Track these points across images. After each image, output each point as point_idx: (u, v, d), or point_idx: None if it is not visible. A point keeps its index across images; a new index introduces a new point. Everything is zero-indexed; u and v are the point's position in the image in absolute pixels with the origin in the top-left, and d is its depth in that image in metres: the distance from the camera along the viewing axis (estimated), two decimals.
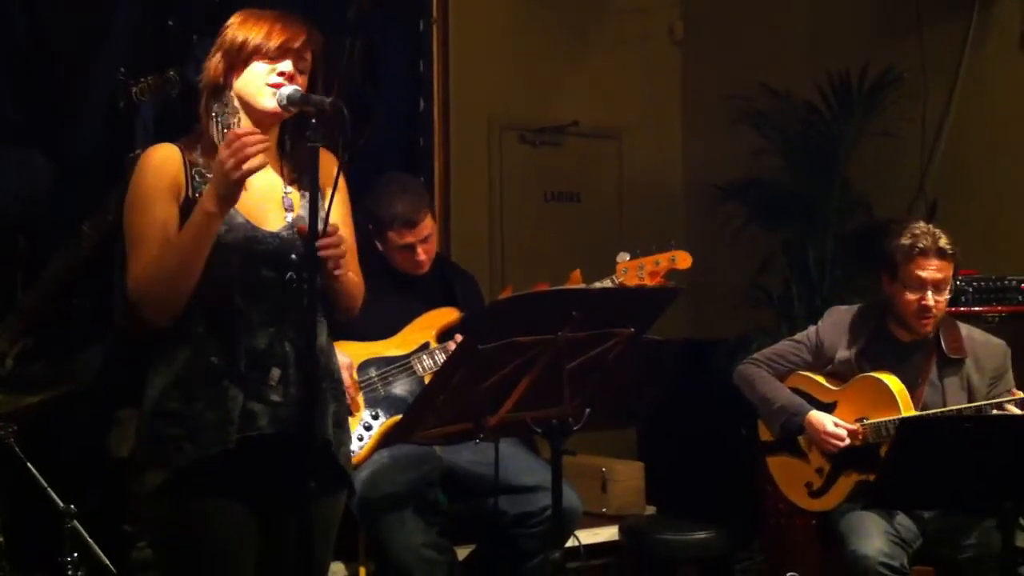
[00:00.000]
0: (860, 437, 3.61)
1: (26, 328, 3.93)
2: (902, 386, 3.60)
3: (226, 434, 2.47)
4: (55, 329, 4.09)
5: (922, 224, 3.66)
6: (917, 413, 3.54)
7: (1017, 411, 3.42)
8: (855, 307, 3.87)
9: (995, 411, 3.43)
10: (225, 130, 2.51)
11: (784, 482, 3.87)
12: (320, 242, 2.41)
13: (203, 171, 2.52)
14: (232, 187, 2.39)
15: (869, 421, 3.61)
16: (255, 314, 2.50)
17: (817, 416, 3.67)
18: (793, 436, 3.76)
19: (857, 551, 3.43)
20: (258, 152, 2.38)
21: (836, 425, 3.63)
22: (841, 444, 3.61)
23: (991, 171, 5.13)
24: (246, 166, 2.37)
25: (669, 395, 3.08)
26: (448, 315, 3.89)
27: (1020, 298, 4.31)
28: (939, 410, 3.53)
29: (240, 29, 2.54)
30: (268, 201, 2.56)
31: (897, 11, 5.39)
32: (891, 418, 3.55)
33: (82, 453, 4.04)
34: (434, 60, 5.31)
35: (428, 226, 3.88)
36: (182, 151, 2.53)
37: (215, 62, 2.55)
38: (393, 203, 3.84)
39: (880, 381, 3.63)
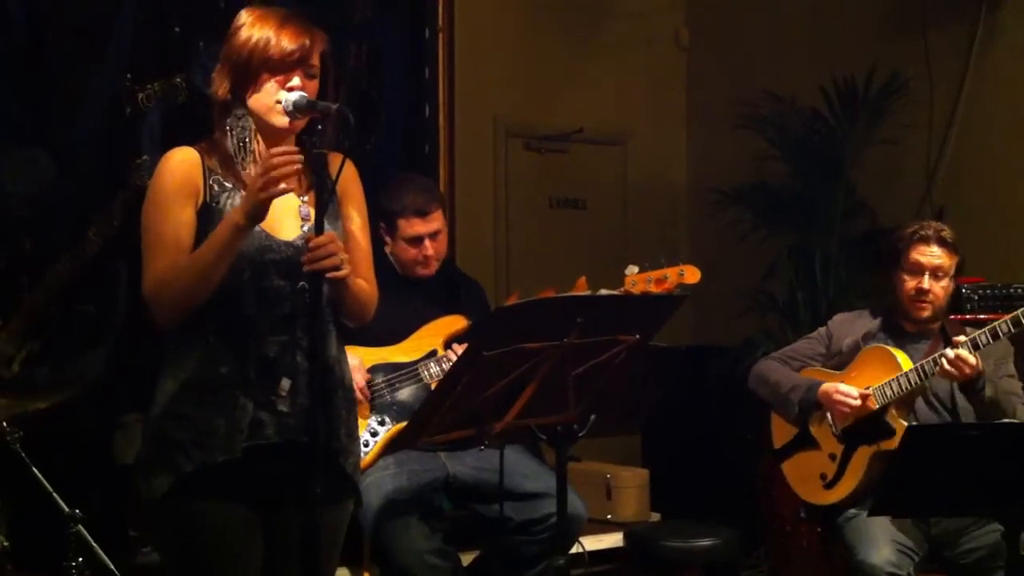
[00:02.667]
0: (870, 402, 3.65)
1: (32, 332, 3.94)
2: (902, 351, 3.67)
3: (234, 443, 2.47)
4: (60, 334, 4.10)
5: (931, 220, 3.82)
6: (918, 364, 3.59)
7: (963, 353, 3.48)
8: (860, 310, 3.98)
9: (941, 359, 3.50)
10: (240, 143, 2.52)
11: (798, 483, 3.90)
12: (305, 256, 2.39)
13: (220, 179, 2.52)
14: (260, 206, 2.39)
15: (874, 387, 3.65)
16: (266, 322, 2.50)
17: (829, 384, 3.76)
18: (811, 414, 3.80)
19: (864, 561, 3.45)
20: (288, 174, 2.37)
21: (848, 388, 3.70)
22: (852, 401, 3.66)
23: (997, 178, 5.13)
24: (275, 188, 2.37)
25: (674, 402, 3.09)
26: (456, 323, 3.88)
27: None
28: (930, 358, 3.58)
29: (246, 40, 2.50)
30: (284, 211, 2.54)
31: (902, 17, 5.39)
32: (895, 376, 3.62)
33: (87, 458, 4.04)
34: (439, 67, 5.31)
35: (438, 219, 3.88)
36: (201, 155, 2.53)
37: (221, 79, 2.53)
38: (405, 195, 3.86)
39: (882, 350, 3.71)
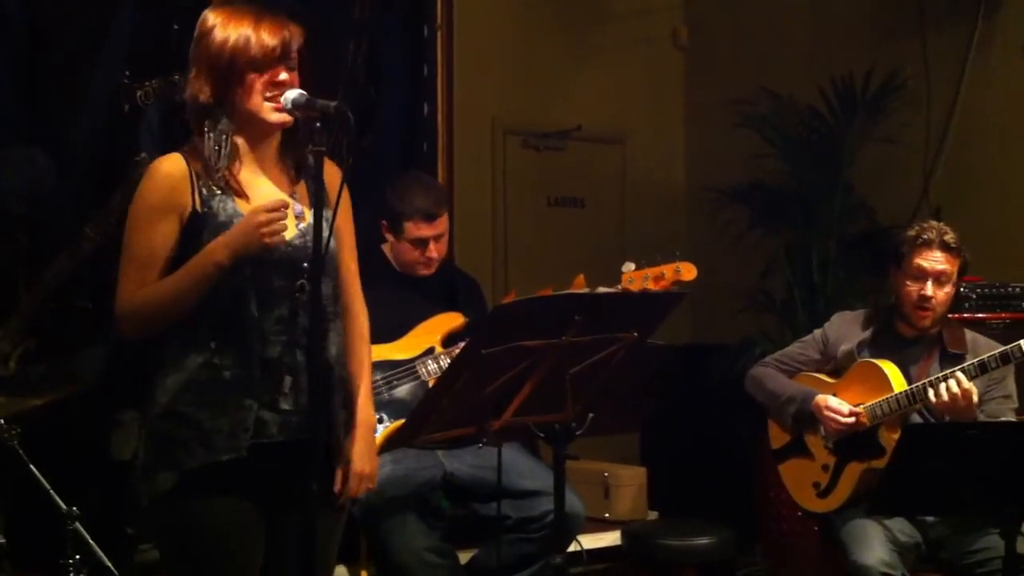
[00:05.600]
0: (861, 420, 3.63)
1: (28, 330, 3.93)
2: (895, 367, 3.63)
3: (239, 441, 2.47)
4: (58, 331, 4.09)
5: (933, 221, 3.74)
6: (910, 387, 3.56)
7: (965, 384, 3.44)
8: (860, 310, 3.94)
9: (940, 387, 3.46)
10: (217, 148, 2.50)
11: (794, 487, 3.89)
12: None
13: (209, 183, 2.51)
14: (259, 251, 2.44)
15: (865, 404, 3.63)
16: (268, 323, 2.50)
17: (822, 396, 3.72)
18: (805, 425, 3.78)
19: (858, 561, 3.44)
20: (279, 231, 2.44)
21: (839, 404, 3.67)
22: (843, 419, 3.63)
23: (994, 177, 5.13)
24: (271, 241, 2.44)
25: (672, 400, 3.08)
26: (454, 320, 3.89)
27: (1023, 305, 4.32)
28: (922, 382, 3.55)
29: (223, 40, 2.48)
30: None
31: (901, 17, 5.40)
32: (885, 398, 3.58)
33: (84, 455, 4.04)
34: (438, 65, 5.32)
35: (444, 223, 3.90)
36: (188, 161, 2.52)
37: (200, 83, 2.50)
38: (415, 196, 3.87)
39: (874, 365, 3.67)
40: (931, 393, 3.46)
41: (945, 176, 5.27)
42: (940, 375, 3.50)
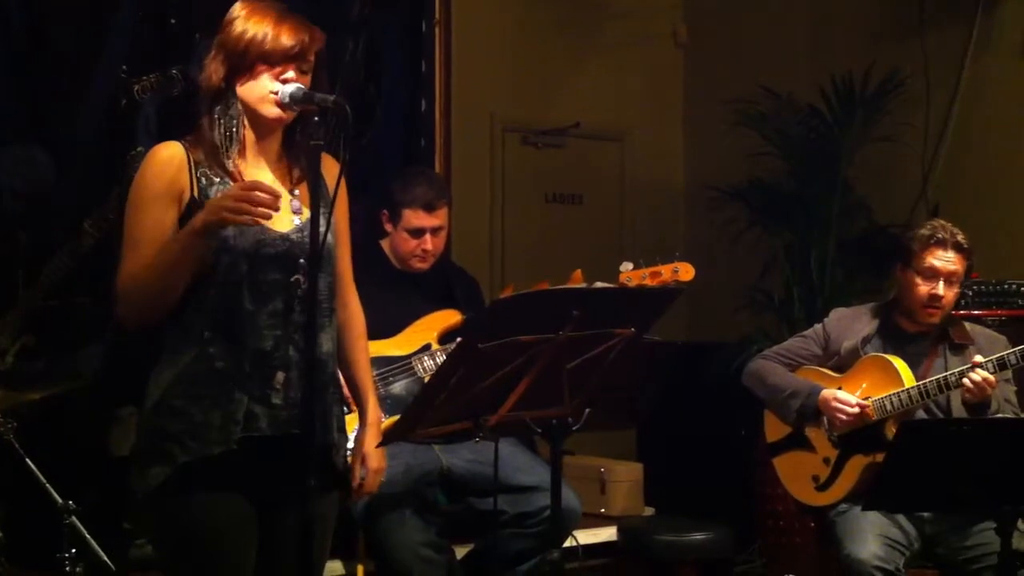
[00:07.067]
0: (868, 413, 3.62)
1: (27, 325, 3.94)
2: (903, 363, 3.63)
3: (230, 434, 2.47)
4: (56, 326, 4.10)
5: (944, 221, 3.73)
6: (922, 383, 3.56)
7: (984, 374, 3.44)
8: (858, 306, 3.93)
9: (964, 379, 3.46)
10: (227, 133, 2.52)
11: (790, 480, 3.88)
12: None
13: (207, 171, 2.52)
14: (225, 226, 2.40)
15: (874, 398, 3.63)
16: (262, 316, 2.50)
17: (829, 390, 3.71)
18: (809, 419, 3.77)
19: (851, 555, 3.44)
20: (262, 215, 2.38)
21: (846, 395, 3.66)
22: (850, 410, 3.63)
23: (992, 176, 5.14)
24: (244, 219, 2.38)
25: (669, 396, 3.08)
26: (451, 317, 3.89)
27: (1020, 302, 4.33)
28: (933, 379, 3.55)
29: (242, 31, 2.50)
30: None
31: (900, 16, 5.40)
32: (895, 391, 3.58)
33: (82, 450, 4.04)
34: (436, 60, 5.32)
35: (443, 216, 3.91)
36: (187, 149, 2.53)
37: (216, 66, 2.53)
38: (416, 186, 3.89)
39: (883, 359, 3.67)
40: (966, 380, 3.45)
41: (943, 175, 5.28)
42: (957, 371, 3.50)
